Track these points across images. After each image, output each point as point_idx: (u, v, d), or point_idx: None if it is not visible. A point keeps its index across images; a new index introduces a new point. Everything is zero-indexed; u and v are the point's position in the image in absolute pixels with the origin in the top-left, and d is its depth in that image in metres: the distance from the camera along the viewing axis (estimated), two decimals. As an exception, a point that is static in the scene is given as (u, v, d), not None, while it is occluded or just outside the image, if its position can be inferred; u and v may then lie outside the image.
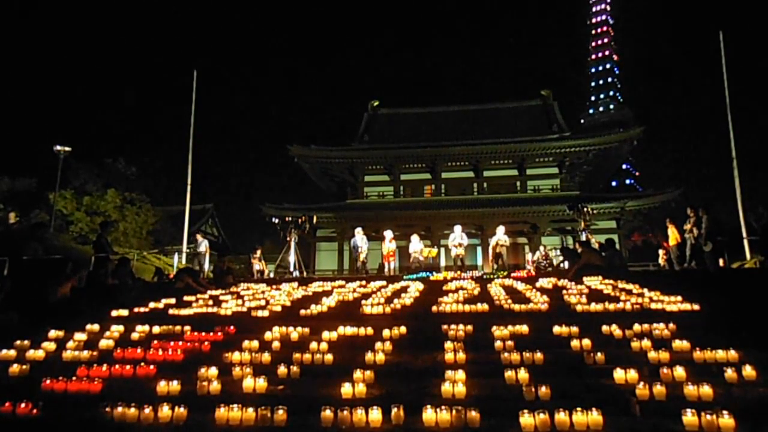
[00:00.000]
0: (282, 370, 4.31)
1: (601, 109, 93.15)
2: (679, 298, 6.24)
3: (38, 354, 5.00)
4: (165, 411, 3.45)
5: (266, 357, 4.70)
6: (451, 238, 16.03)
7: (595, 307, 6.24)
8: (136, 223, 25.62)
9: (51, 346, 5.24)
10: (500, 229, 16.03)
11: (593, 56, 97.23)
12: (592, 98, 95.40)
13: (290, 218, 15.97)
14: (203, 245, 16.06)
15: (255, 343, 5.03)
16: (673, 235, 14.60)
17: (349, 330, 5.42)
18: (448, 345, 4.76)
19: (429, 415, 3.32)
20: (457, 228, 16.05)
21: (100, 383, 4.07)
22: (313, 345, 4.92)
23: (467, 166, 31.73)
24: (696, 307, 5.91)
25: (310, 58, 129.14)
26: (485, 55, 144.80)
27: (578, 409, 3.23)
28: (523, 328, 5.26)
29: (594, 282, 8.35)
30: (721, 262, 12.31)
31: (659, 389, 3.59)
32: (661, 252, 17.57)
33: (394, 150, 31.34)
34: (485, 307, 6.51)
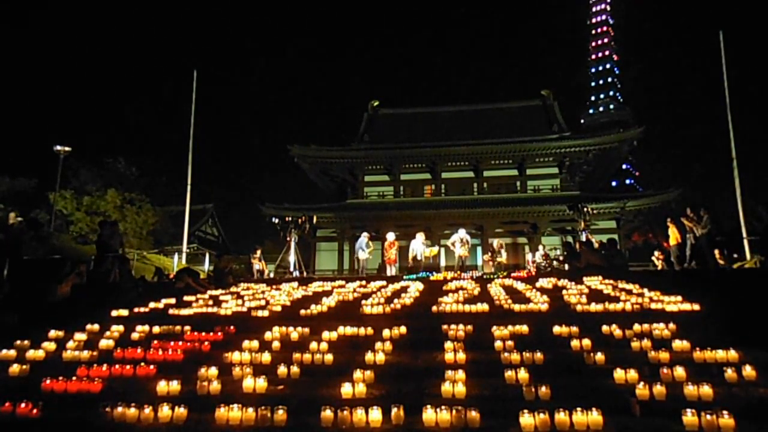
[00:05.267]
0: (282, 370, 4.30)
1: (601, 109, 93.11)
2: (679, 298, 6.24)
3: (38, 354, 5.00)
4: (165, 411, 3.45)
5: (266, 357, 4.69)
6: (456, 239, 15.98)
7: (595, 307, 6.24)
8: (136, 223, 25.67)
9: (51, 346, 5.23)
10: (461, 231, 15.98)
11: (593, 56, 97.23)
12: (592, 98, 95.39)
13: (290, 218, 15.96)
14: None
15: (255, 343, 5.03)
16: (673, 235, 14.57)
17: (349, 330, 5.42)
18: (448, 345, 4.76)
19: (429, 415, 3.31)
20: (461, 230, 16.11)
21: (100, 383, 4.07)
22: (313, 345, 4.92)
23: (467, 166, 31.72)
24: (696, 307, 5.91)
25: (311, 59, 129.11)
26: (485, 56, 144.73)
27: (578, 409, 3.23)
28: (523, 328, 5.26)
29: (594, 282, 8.35)
30: (721, 262, 12.32)
31: (659, 389, 3.59)
32: (656, 253, 17.30)
33: (394, 150, 31.31)
34: (485, 307, 6.51)
